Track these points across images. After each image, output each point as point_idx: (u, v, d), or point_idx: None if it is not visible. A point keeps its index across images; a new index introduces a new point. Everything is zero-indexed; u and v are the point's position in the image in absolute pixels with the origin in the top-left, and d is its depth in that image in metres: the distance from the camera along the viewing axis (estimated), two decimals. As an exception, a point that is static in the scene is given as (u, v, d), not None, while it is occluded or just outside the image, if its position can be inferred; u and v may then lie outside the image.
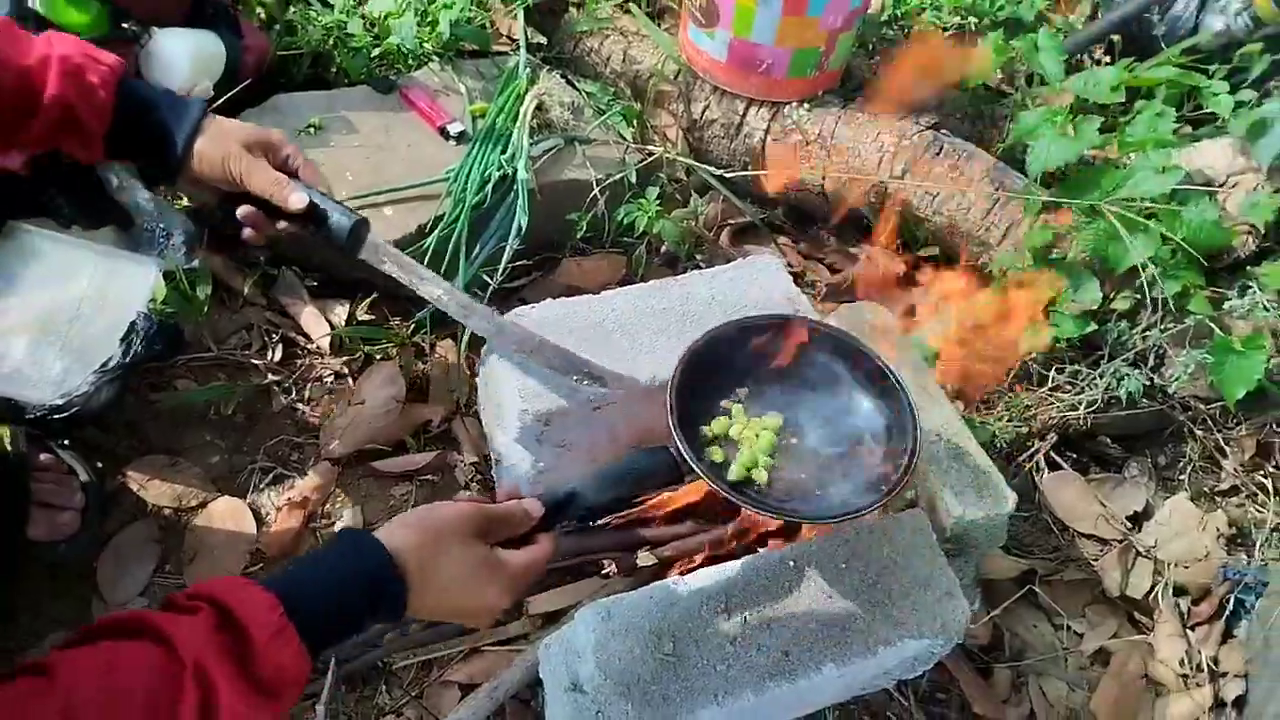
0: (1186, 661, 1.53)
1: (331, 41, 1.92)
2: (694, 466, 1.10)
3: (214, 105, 1.61)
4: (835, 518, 1.14)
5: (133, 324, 1.48)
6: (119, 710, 0.68)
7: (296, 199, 1.17)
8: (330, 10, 1.94)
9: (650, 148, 1.89)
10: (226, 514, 1.52)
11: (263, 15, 1.98)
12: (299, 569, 0.87)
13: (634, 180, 1.82)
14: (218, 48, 1.69)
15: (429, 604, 0.92)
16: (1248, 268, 1.77)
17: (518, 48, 1.92)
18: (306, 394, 1.68)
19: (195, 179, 1.18)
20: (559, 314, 1.40)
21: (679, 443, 1.11)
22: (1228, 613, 1.57)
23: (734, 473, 1.17)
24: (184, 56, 1.63)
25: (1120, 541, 1.64)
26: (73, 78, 1.07)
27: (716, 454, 1.19)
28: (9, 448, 1.35)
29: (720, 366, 1.26)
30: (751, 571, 1.22)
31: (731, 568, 1.22)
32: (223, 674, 0.72)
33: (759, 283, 1.51)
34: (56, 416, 1.42)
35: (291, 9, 1.99)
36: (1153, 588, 1.60)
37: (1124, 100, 1.90)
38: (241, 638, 0.76)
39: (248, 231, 1.22)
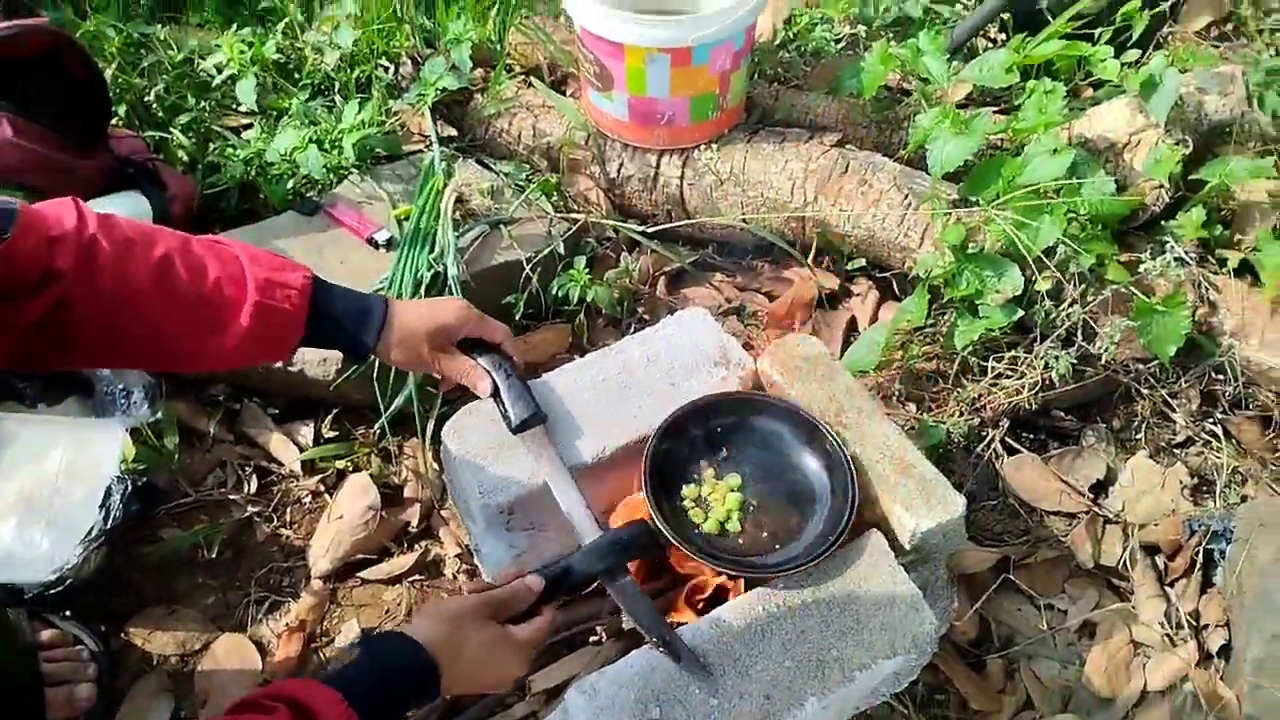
0: (1168, 620, 1.58)
1: (253, 173, 1.98)
2: (668, 535, 1.30)
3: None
4: (795, 566, 1.31)
5: (109, 488, 1.55)
6: None
7: (483, 387, 1.38)
8: (248, 144, 2.00)
9: (574, 214, 1.95)
10: (230, 651, 1.57)
11: (184, 158, 2.05)
12: (348, 668, 1.03)
13: (562, 251, 1.88)
14: (143, 208, 1.76)
15: (459, 681, 1.08)
16: (1162, 222, 1.82)
17: (430, 144, 1.98)
18: (287, 518, 1.73)
19: (390, 365, 1.39)
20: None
21: (655, 516, 1.32)
22: (1199, 565, 1.61)
23: (708, 528, 1.37)
24: (108, 226, 1.69)
25: (1086, 513, 1.69)
26: (263, 306, 1.17)
27: (697, 515, 1.39)
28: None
29: (688, 440, 1.45)
30: (723, 624, 1.27)
31: (704, 624, 1.27)
32: None
33: (690, 336, 1.57)
34: (53, 591, 1.48)
35: (211, 146, 2.06)
36: (1126, 552, 1.65)
37: (1020, 80, 1.95)
38: None
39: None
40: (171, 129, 2.06)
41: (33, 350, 1.09)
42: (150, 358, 1.21)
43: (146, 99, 2.10)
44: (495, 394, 1.39)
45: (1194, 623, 1.56)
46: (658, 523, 1.31)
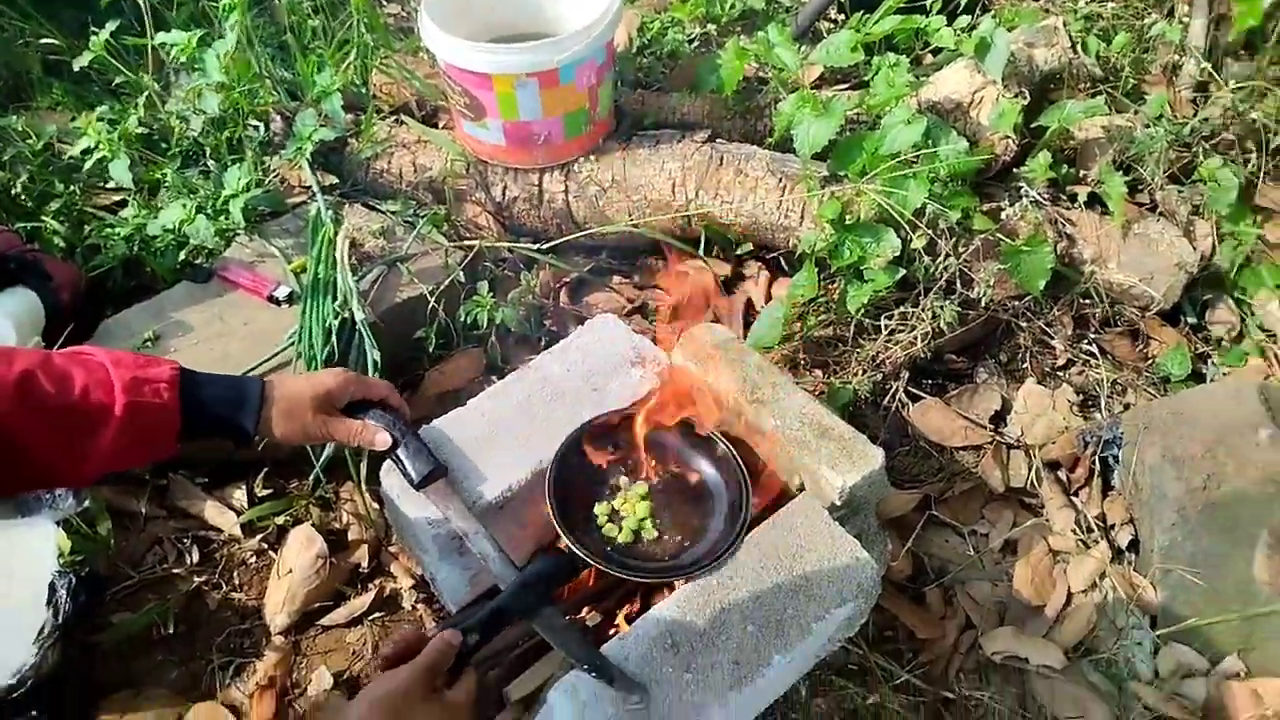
0: (1080, 527, 1.72)
1: (135, 249, 1.97)
2: (586, 559, 1.35)
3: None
4: (706, 564, 1.36)
5: (51, 585, 1.53)
6: None
7: (381, 439, 1.37)
8: (125, 221, 1.99)
9: (467, 242, 2.00)
10: (206, 720, 1.58)
11: (61, 244, 2.02)
12: None
13: (462, 279, 1.93)
14: (32, 302, 1.75)
15: None
16: (1014, 170, 1.97)
17: (314, 195, 2.01)
18: (235, 581, 1.74)
19: (280, 444, 1.36)
20: (439, 438, 1.50)
21: (569, 542, 1.35)
22: (1098, 472, 1.76)
23: (622, 539, 1.42)
24: (5, 325, 1.67)
25: (990, 443, 1.82)
26: (135, 404, 1.15)
27: (611, 530, 1.42)
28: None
29: (587, 460, 1.49)
30: (684, 604, 1.34)
31: (665, 608, 1.34)
32: None
33: (603, 341, 1.64)
34: (15, 695, 1.46)
35: (87, 229, 2.04)
36: (1031, 472, 1.79)
37: (865, 56, 2.08)
38: None
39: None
40: (43, 217, 2.02)
41: None
42: (30, 476, 1.16)
43: (13, 190, 2.06)
44: (393, 451, 1.40)
45: (1102, 525, 1.71)
46: (573, 548, 1.35)
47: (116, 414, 1.15)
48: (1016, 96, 1.93)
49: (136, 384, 1.17)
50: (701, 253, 2.05)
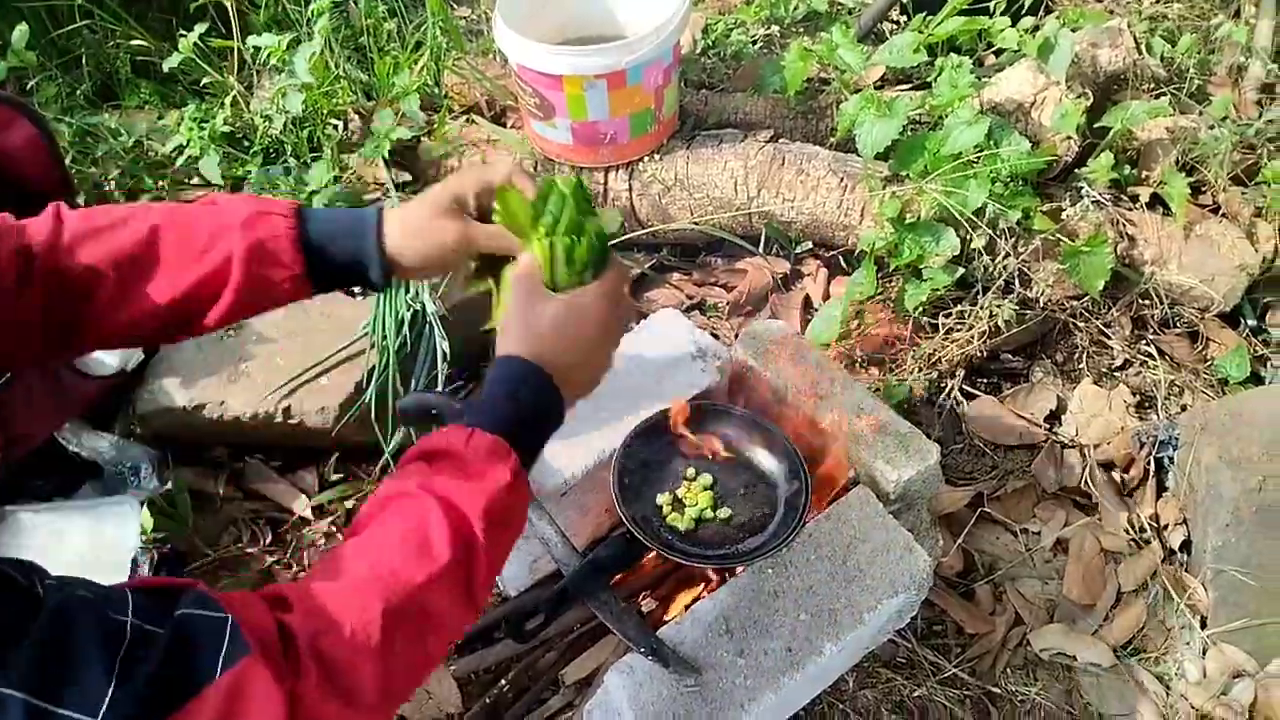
0: (1132, 527, 1.73)
1: (220, 242, 2.06)
2: (647, 544, 1.38)
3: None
4: (769, 551, 1.38)
5: (134, 560, 1.62)
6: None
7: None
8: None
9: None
10: (276, 695, 1.66)
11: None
12: (486, 405, 0.99)
13: (530, 273, 1.99)
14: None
15: (573, 376, 1.08)
16: (1075, 170, 1.98)
17: (388, 191, 2.08)
18: (306, 561, 1.81)
19: (418, 276, 1.27)
20: (504, 425, 1.56)
21: (632, 529, 1.38)
22: (1152, 473, 1.77)
23: (684, 525, 1.44)
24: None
25: (1045, 442, 1.84)
26: (253, 250, 1.06)
27: (674, 519, 1.45)
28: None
29: (653, 450, 1.52)
30: (739, 591, 1.38)
31: (721, 595, 1.39)
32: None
33: (666, 335, 1.69)
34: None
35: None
36: (1085, 472, 1.80)
37: (929, 58, 2.10)
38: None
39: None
40: (134, 211, 2.12)
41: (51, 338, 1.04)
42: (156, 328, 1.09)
43: (105, 187, 2.17)
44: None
45: (1155, 525, 1.72)
46: (635, 533, 1.38)
47: (237, 258, 1.05)
48: (1079, 97, 1.94)
49: (255, 243, 1.07)
50: (761, 250, 2.09)
